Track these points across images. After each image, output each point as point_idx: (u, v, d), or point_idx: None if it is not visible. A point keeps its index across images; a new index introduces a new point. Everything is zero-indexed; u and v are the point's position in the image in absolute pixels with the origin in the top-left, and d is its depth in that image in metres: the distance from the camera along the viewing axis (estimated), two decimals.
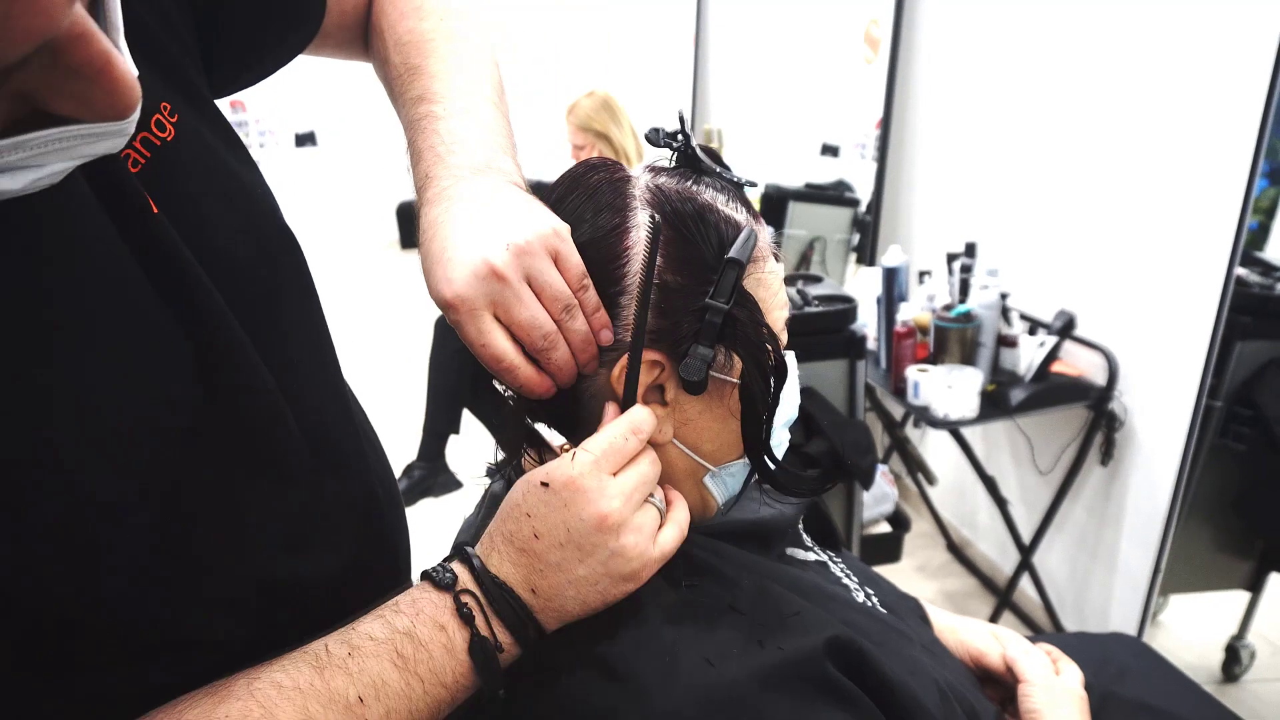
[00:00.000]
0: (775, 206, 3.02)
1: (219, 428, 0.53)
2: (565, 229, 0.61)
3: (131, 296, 0.48)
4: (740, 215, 0.64)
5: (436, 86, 0.70)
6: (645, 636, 0.57)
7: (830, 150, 3.11)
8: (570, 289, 0.60)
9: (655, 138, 0.65)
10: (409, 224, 7.08)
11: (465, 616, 0.56)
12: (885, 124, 2.65)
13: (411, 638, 0.54)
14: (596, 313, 0.61)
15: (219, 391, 0.52)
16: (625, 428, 0.60)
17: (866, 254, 2.81)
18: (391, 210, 7.23)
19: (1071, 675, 0.85)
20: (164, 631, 0.51)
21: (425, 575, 0.58)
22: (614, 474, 0.59)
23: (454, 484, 2.90)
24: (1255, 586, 2.02)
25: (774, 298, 0.66)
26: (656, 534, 0.60)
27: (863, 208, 2.89)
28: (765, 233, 0.66)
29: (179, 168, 0.53)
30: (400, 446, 3.02)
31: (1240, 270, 1.62)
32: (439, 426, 2.94)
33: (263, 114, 6.79)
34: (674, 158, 0.67)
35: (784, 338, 0.67)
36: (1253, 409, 1.81)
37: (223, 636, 0.54)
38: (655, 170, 0.66)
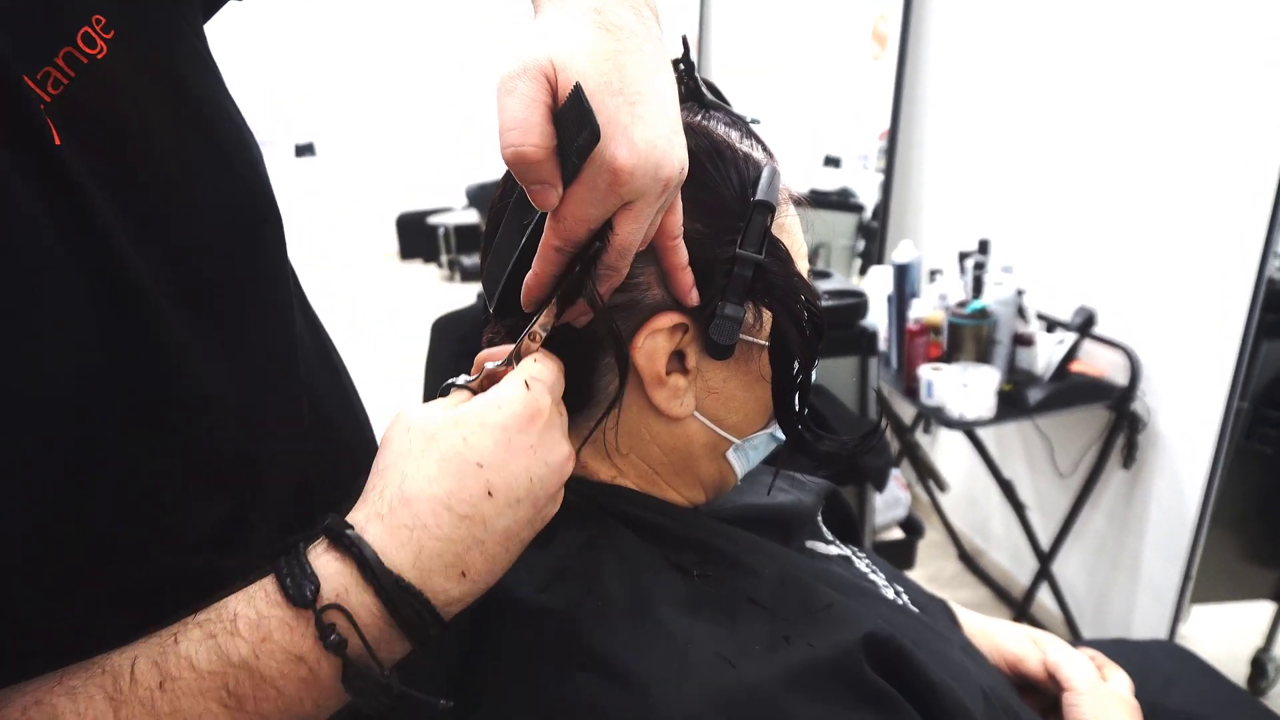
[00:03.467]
0: None
1: (122, 399, 0.44)
2: None
3: (18, 240, 0.39)
4: (758, 153, 0.57)
5: None
6: (653, 633, 0.49)
7: (832, 162, 3.07)
8: (667, 235, 0.51)
9: None
10: (408, 234, 7.07)
11: (334, 645, 0.40)
12: (894, 121, 2.59)
13: (250, 672, 0.40)
14: (688, 270, 0.52)
15: (122, 355, 0.43)
16: (559, 364, 0.51)
17: (873, 259, 2.75)
18: (391, 221, 7.21)
19: (1120, 682, 0.77)
20: (47, 615, 0.43)
21: (275, 571, 0.42)
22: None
23: None
24: None
25: (798, 246, 0.59)
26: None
27: (868, 214, 2.84)
28: (784, 173, 0.59)
29: (113, 89, 0.45)
30: None
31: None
32: None
33: (261, 124, 6.77)
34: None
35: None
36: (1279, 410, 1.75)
37: (122, 627, 0.44)
38: None
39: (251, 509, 0.53)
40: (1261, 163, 1.50)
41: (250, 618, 0.41)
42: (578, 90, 0.43)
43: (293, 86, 6.75)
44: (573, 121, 0.43)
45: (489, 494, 0.44)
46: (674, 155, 0.46)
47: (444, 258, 6.72)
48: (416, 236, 7.02)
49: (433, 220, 6.79)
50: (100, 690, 0.39)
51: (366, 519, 0.43)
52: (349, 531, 0.42)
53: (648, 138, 0.44)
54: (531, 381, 0.47)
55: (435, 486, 0.43)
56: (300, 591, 0.41)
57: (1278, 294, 1.62)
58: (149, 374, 0.45)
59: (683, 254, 0.52)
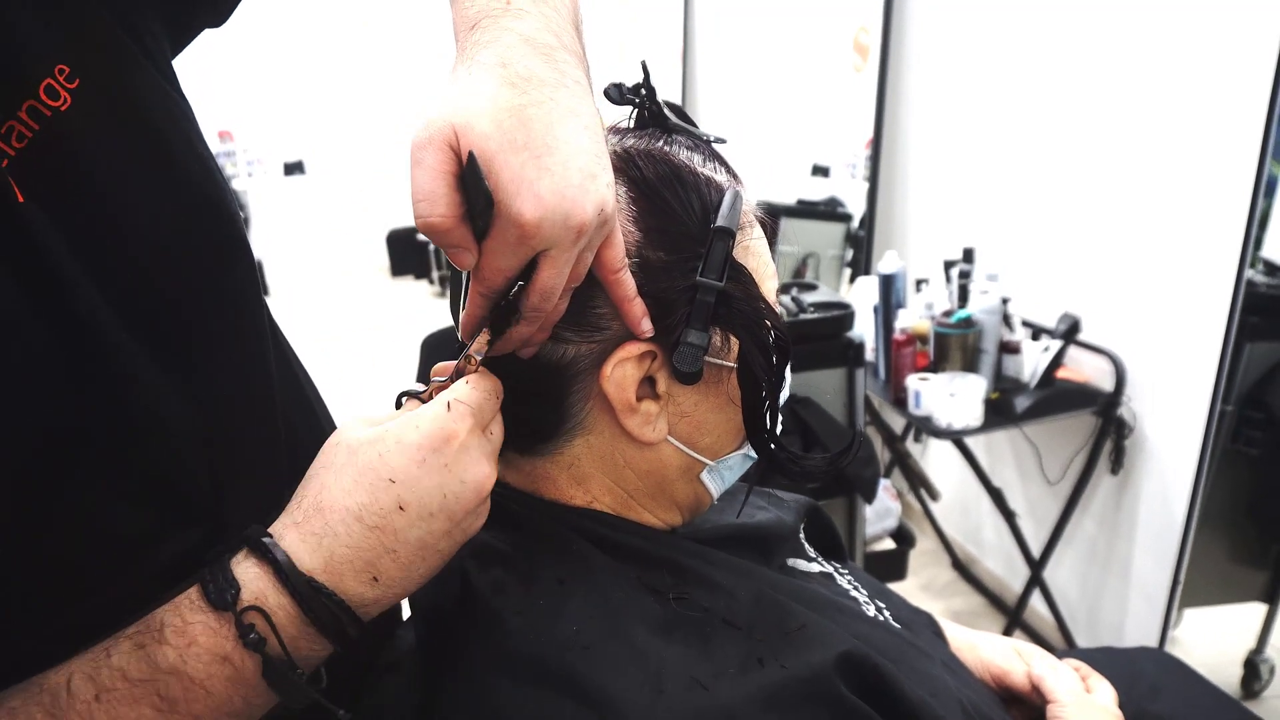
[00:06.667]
0: None
1: (89, 440, 0.45)
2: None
3: None
4: (720, 176, 0.58)
5: None
6: (626, 655, 0.49)
7: (821, 171, 3.08)
8: (609, 270, 0.52)
9: (615, 94, 0.58)
10: (399, 251, 7.07)
11: (253, 644, 0.44)
12: (877, 132, 2.60)
13: (180, 676, 0.43)
14: (636, 300, 0.53)
15: (89, 398, 0.45)
16: (494, 386, 0.52)
17: (861, 268, 2.76)
18: (381, 237, 7.21)
19: (1104, 693, 0.77)
20: (13, 646, 0.44)
21: (200, 580, 0.45)
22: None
23: None
24: (1272, 598, 1.95)
25: (764, 267, 0.59)
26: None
27: (855, 223, 2.84)
28: (749, 194, 0.59)
29: (77, 140, 0.46)
30: None
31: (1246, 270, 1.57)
32: None
33: (251, 143, 6.78)
34: (635, 115, 0.60)
35: (779, 311, 0.60)
36: (1264, 411, 1.76)
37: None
38: (619, 132, 0.59)
39: (223, 540, 0.53)
40: (1239, 167, 1.51)
41: (176, 625, 0.44)
42: (471, 159, 0.45)
43: (282, 104, 6.75)
44: (472, 187, 0.45)
45: (400, 508, 0.46)
46: (585, 202, 0.46)
47: (435, 274, 6.71)
48: (407, 253, 7.02)
49: (423, 237, 6.76)
50: (39, 708, 0.41)
51: (284, 527, 0.47)
52: (264, 539, 0.46)
53: (554, 189, 0.45)
54: (454, 404, 0.48)
55: (348, 499, 0.46)
56: (221, 596, 0.44)
57: (1258, 296, 1.63)
58: (116, 414, 0.46)
59: (628, 286, 0.53)
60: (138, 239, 0.48)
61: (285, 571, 0.45)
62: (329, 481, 0.47)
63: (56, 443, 0.43)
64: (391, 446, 0.46)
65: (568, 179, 0.46)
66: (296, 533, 0.46)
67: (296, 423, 0.65)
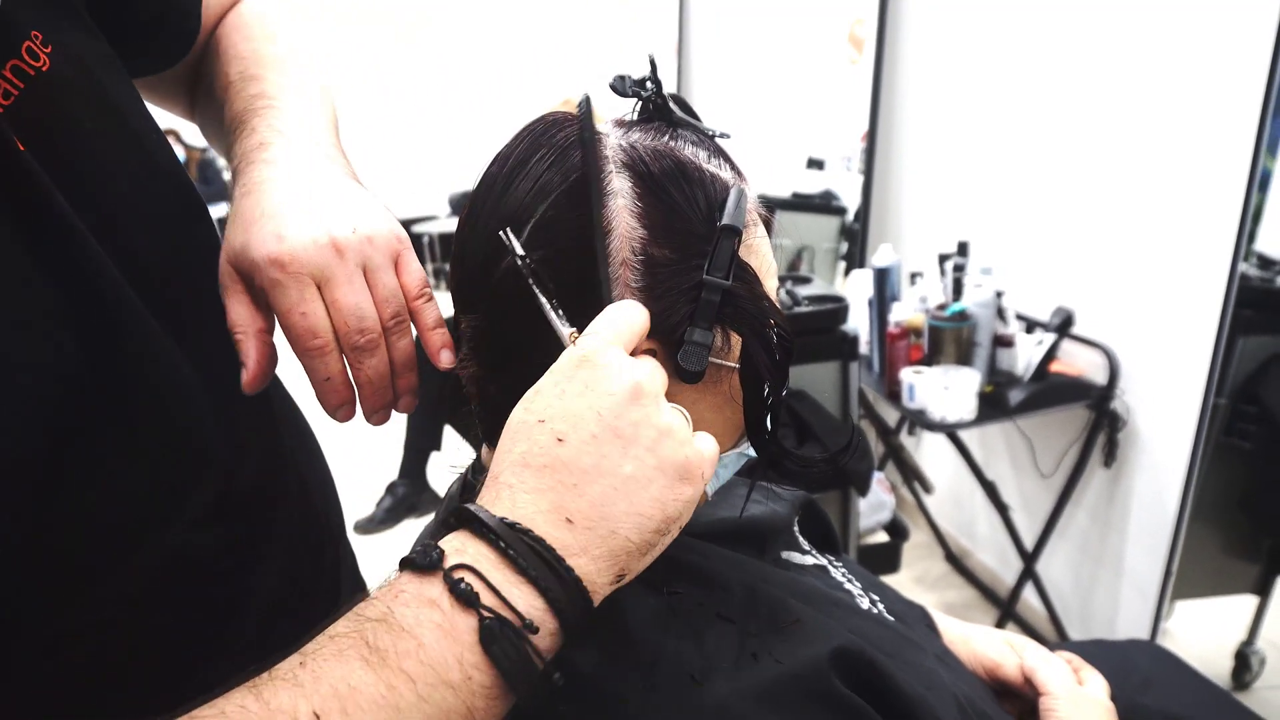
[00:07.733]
0: None
1: (93, 394, 0.46)
2: (407, 238, 0.57)
3: None
4: (725, 173, 0.57)
5: (275, 87, 0.65)
6: (618, 649, 0.49)
7: (816, 164, 3.08)
8: (407, 297, 0.55)
9: (621, 86, 0.58)
10: None
11: (464, 595, 0.40)
12: (872, 125, 2.60)
13: (389, 625, 0.39)
14: (437, 329, 0.56)
15: (92, 349, 0.46)
16: (635, 310, 0.49)
17: (855, 262, 2.76)
18: None
19: (1096, 685, 0.78)
20: (36, 620, 0.45)
21: (404, 562, 0.43)
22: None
23: (438, 502, 2.82)
24: (1264, 590, 1.97)
25: (766, 265, 0.59)
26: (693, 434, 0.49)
27: (850, 216, 2.85)
28: (752, 191, 0.59)
29: (58, 99, 0.49)
30: (382, 464, 2.95)
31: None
32: (420, 443, 2.87)
33: None
34: (639, 107, 0.59)
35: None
36: (1257, 405, 1.77)
37: (116, 622, 0.49)
38: (624, 125, 0.58)
39: (231, 485, 0.56)
40: (1233, 160, 1.52)
41: (383, 588, 0.42)
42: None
43: None
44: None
45: (559, 440, 0.44)
46: (322, 226, 0.52)
47: (429, 266, 6.70)
48: None
49: (417, 229, 6.77)
50: (242, 686, 0.39)
51: (478, 501, 0.46)
52: (469, 505, 0.44)
53: (291, 224, 0.52)
54: (573, 335, 0.49)
55: (510, 454, 0.45)
56: (426, 557, 0.42)
57: (1251, 290, 1.63)
58: (121, 365, 0.48)
59: (429, 315, 0.56)
60: (113, 198, 0.51)
61: (479, 517, 0.43)
62: (501, 447, 0.46)
63: (63, 386, 0.44)
64: (533, 397, 0.46)
65: (292, 217, 0.52)
66: (485, 496, 0.45)
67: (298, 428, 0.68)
